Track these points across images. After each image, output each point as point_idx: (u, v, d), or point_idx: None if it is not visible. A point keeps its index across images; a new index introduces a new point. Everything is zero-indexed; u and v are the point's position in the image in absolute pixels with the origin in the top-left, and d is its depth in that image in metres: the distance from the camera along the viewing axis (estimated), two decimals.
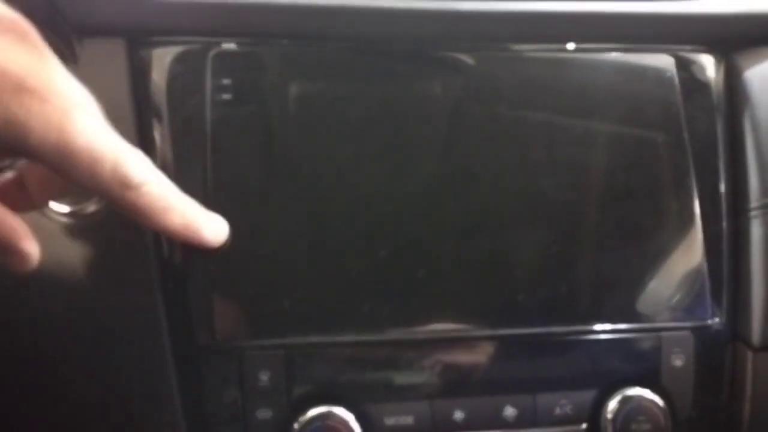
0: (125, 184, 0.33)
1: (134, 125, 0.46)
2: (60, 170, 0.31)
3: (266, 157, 0.46)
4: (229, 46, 0.48)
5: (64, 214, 0.44)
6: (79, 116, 0.31)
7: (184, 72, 0.46)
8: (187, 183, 0.44)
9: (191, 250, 0.41)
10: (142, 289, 0.43)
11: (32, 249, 0.34)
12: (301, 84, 0.48)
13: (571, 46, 0.51)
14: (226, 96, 0.46)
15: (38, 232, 0.42)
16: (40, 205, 0.40)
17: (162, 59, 0.47)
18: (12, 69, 0.29)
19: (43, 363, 0.44)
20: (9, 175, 0.37)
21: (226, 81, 0.46)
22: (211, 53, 0.47)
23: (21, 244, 0.33)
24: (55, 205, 0.44)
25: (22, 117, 0.29)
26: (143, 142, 0.46)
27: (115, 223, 0.43)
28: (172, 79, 0.46)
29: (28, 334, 0.43)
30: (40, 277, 0.42)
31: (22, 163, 0.37)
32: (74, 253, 0.43)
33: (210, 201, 0.44)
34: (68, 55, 0.46)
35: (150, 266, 0.44)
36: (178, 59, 0.47)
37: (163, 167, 0.45)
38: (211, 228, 0.40)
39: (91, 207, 0.44)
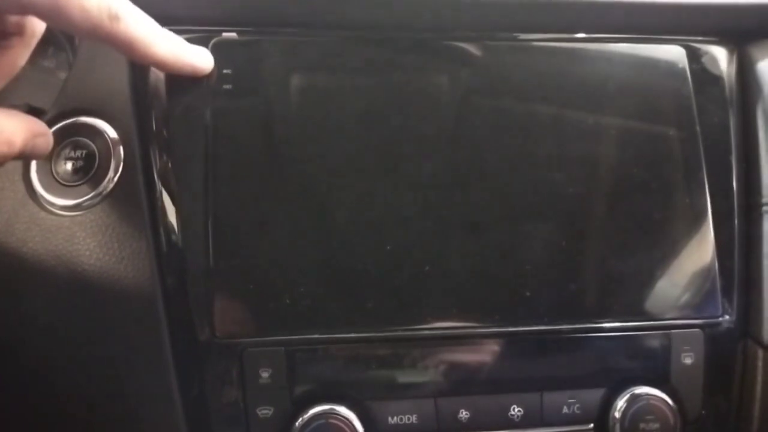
0: (114, 16, 0.35)
1: (134, 115, 0.45)
2: (51, 11, 0.33)
3: (268, 150, 0.45)
4: (230, 35, 0.47)
5: (63, 207, 0.43)
6: None
7: None
8: (187, 174, 0.44)
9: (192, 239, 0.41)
10: (141, 284, 0.43)
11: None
12: (303, 74, 0.47)
13: (578, 36, 0.51)
14: (227, 86, 0.46)
15: (37, 227, 0.43)
16: None
17: None
18: None
19: (40, 359, 0.43)
20: None
21: (226, 71, 0.46)
22: (212, 42, 0.46)
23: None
24: (53, 198, 0.43)
25: None
26: (144, 132, 0.45)
27: (114, 218, 0.43)
28: None
29: (26, 329, 0.43)
30: (39, 271, 0.42)
31: None
32: (73, 248, 0.43)
33: (210, 193, 0.44)
34: (68, 46, 0.45)
35: (149, 262, 0.43)
36: None
37: (162, 159, 0.45)
38: (198, 54, 0.43)
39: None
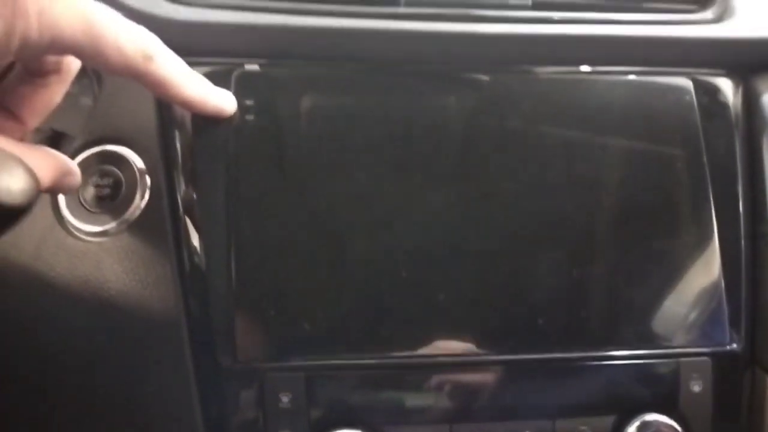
0: (148, 56, 0.36)
1: (160, 144, 0.46)
2: (91, 53, 0.34)
3: (288, 178, 0.47)
4: (252, 67, 0.48)
5: (90, 233, 0.44)
6: (93, 2, 0.34)
7: None
8: (210, 202, 0.46)
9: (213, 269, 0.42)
10: (165, 310, 0.44)
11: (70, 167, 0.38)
12: (323, 105, 0.48)
13: (586, 68, 0.52)
14: (249, 116, 0.47)
15: (65, 252, 0.44)
16: (31, 128, 0.40)
17: None
18: None
19: (66, 382, 0.44)
20: None
21: (249, 101, 0.47)
22: (234, 74, 0.48)
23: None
24: (80, 224, 0.45)
25: (47, 6, 0.31)
26: (169, 160, 0.46)
27: (140, 244, 0.44)
28: None
29: (53, 352, 0.44)
30: (66, 296, 0.43)
31: (2, 89, 0.38)
32: (99, 274, 0.44)
33: (233, 221, 0.45)
34: (91, 72, 0.46)
35: (174, 288, 0.44)
36: None
37: (187, 187, 0.46)
38: (224, 97, 0.45)
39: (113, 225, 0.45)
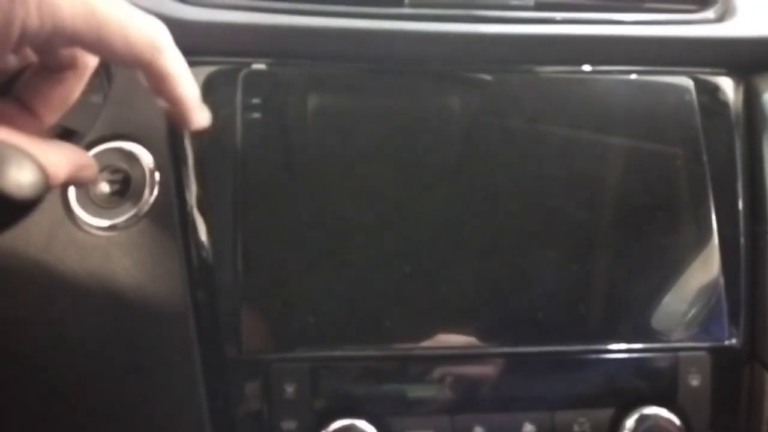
0: (156, 47, 0.35)
1: (169, 141, 0.47)
2: (96, 43, 0.33)
3: (294, 174, 0.48)
4: (259, 66, 0.49)
5: (100, 228, 0.45)
6: None
7: (216, 91, 0.47)
8: (218, 198, 0.47)
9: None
10: (173, 302, 0.45)
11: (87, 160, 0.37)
12: (327, 103, 0.49)
13: (587, 68, 0.52)
14: (256, 114, 0.48)
15: (74, 246, 0.45)
16: (48, 124, 0.39)
17: (195, 79, 0.48)
18: None
19: (73, 372, 0.45)
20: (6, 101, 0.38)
21: (255, 100, 0.48)
22: (242, 73, 0.48)
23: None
24: (90, 219, 0.46)
25: None
26: (178, 156, 0.47)
27: (148, 238, 0.45)
28: (205, 98, 0.47)
29: (62, 343, 0.45)
30: (76, 289, 0.44)
31: (20, 84, 0.37)
32: (109, 267, 0.45)
33: (240, 216, 0.46)
34: (101, 70, 0.47)
35: (182, 281, 0.45)
36: (211, 79, 0.49)
37: (195, 183, 0.47)
38: (202, 109, 0.41)
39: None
